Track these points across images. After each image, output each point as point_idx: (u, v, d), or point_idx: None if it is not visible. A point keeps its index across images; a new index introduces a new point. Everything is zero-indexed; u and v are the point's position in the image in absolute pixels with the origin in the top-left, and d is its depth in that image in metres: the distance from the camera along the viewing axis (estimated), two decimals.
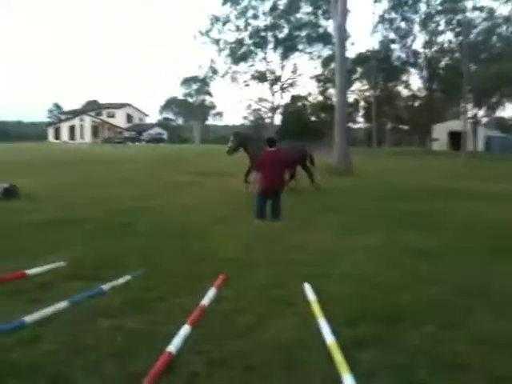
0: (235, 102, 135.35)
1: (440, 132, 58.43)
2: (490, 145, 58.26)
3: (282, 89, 59.30)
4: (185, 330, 3.85)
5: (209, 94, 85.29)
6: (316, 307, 4.45)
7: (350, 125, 57.02)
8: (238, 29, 52.29)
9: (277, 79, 57.67)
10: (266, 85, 58.55)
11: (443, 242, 7.44)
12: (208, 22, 53.13)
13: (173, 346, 3.52)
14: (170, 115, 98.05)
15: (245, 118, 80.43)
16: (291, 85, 60.19)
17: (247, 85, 58.57)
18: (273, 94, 58.82)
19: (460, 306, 4.63)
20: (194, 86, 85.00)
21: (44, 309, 4.19)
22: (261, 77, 57.37)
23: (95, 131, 69.36)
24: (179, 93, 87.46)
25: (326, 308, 4.45)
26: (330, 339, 3.73)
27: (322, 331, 3.90)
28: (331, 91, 54.47)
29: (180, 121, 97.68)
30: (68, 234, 7.45)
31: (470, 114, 48.34)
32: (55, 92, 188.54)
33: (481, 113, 56.79)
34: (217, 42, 52.98)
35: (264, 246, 6.98)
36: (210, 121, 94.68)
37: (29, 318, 3.96)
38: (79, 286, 5.00)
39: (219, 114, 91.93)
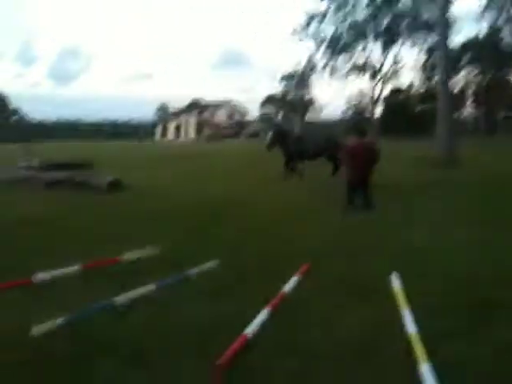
0: (335, 96, 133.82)
1: None
2: None
3: (384, 80, 57.53)
4: (263, 315, 3.88)
5: (308, 88, 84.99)
6: (401, 298, 4.28)
7: (458, 114, 54.12)
8: (336, 22, 51.50)
9: (377, 71, 56.04)
10: (367, 77, 57.12)
11: None
12: (305, 17, 52.81)
13: (250, 330, 3.58)
14: (270, 111, 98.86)
15: (345, 111, 79.06)
16: (393, 76, 58.19)
17: (346, 78, 57.54)
18: (374, 86, 57.26)
19: None
20: (294, 82, 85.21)
21: (133, 291, 4.42)
22: (361, 69, 56.09)
23: (199, 129, 72.01)
24: (279, 88, 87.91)
25: (411, 300, 4.27)
26: (412, 330, 3.57)
27: (403, 322, 3.74)
28: (436, 80, 51.91)
29: (280, 116, 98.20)
30: (163, 224, 7.81)
31: None
32: (163, 91, 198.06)
33: None
34: (314, 36, 52.54)
35: (353, 237, 6.85)
36: (310, 115, 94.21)
37: (118, 299, 4.20)
38: (169, 271, 5.22)
39: (318, 109, 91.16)
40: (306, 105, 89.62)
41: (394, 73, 57.88)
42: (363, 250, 6.15)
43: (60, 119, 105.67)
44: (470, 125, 61.86)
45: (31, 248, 6.35)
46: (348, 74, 56.70)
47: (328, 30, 52.61)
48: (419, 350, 3.24)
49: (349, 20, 51.28)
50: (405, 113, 59.15)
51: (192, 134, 70.88)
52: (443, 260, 5.65)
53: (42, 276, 4.90)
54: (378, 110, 60.68)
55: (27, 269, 5.19)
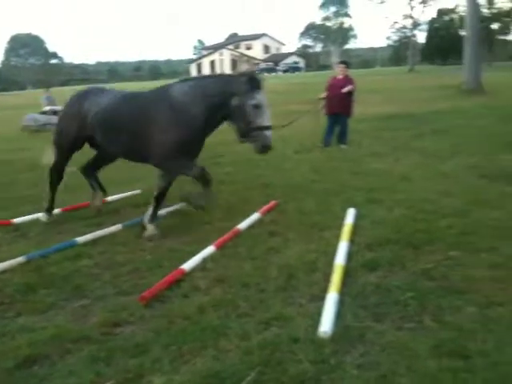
0: (377, 23, 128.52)
1: None
2: None
3: (424, 2, 54.46)
4: (208, 250, 4.15)
5: (347, 15, 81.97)
6: (346, 231, 4.43)
7: (504, 38, 51.03)
8: None
9: None
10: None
11: None
12: None
13: (188, 264, 3.86)
14: (309, 42, 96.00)
15: (388, 38, 76.14)
16: None
17: (383, 2, 54.89)
18: (412, 9, 54.42)
19: None
20: (333, 9, 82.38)
21: (100, 231, 4.77)
22: None
23: (234, 64, 71.01)
24: (317, 17, 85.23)
25: (357, 233, 4.46)
26: (339, 261, 3.76)
27: (336, 254, 3.92)
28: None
29: (318, 47, 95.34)
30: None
31: None
32: (200, 29, 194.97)
33: None
34: None
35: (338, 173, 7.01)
36: (351, 45, 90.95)
37: (80, 239, 4.55)
38: (142, 212, 5.52)
39: (356, 37, 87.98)
40: (345, 33, 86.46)
41: None
42: (338, 185, 6.29)
43: (99, 62, 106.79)
44: None
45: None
46: None
47: None
48: (335, 280, 3.44)
49: None
50: (450, 37, 56.44)
51: (227, 70, 69.94)
52: (412, 192, 5.79)
53: (22, 219, 5.32)
54: (422, 36, 58.07)
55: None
